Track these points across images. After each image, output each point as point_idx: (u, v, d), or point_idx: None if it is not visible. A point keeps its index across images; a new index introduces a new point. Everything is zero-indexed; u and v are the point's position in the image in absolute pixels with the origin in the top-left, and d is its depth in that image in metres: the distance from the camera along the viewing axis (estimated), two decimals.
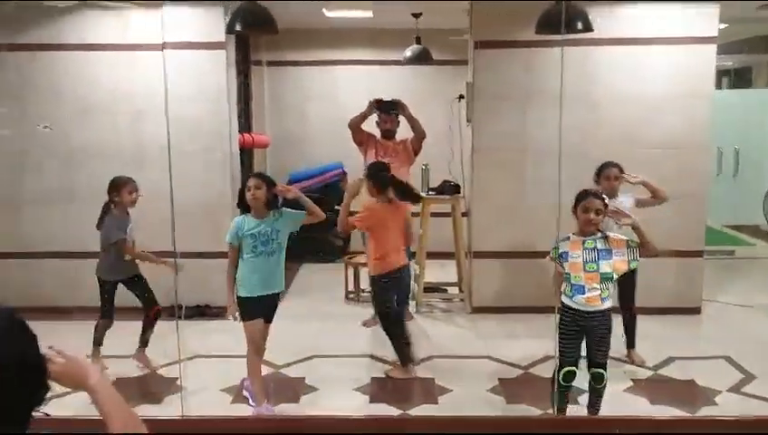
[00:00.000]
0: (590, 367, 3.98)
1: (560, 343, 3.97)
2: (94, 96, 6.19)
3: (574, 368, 3.95)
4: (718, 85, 11.01)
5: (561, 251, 3.93)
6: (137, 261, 5.07)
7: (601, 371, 3.96)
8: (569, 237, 3.95)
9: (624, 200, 4.93)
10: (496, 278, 6.33)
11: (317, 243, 8.19)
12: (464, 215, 6.62)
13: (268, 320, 4.49)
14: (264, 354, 4.56)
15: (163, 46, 4.03)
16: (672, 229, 5.90)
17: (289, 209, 4.47)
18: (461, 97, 6.64)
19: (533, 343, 5.35)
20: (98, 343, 5.10)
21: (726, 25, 7.01)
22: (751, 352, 5.28)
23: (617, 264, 3.86)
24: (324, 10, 6.97)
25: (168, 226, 4.61)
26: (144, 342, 5.15)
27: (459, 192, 6.65)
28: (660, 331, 5.67)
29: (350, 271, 6.94)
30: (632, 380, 4.88)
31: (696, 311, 6.20)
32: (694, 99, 6.02)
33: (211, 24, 5.95)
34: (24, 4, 5.84)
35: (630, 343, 5.19)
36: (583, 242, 3.89)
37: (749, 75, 11.32)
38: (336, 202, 8.51)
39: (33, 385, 1.43)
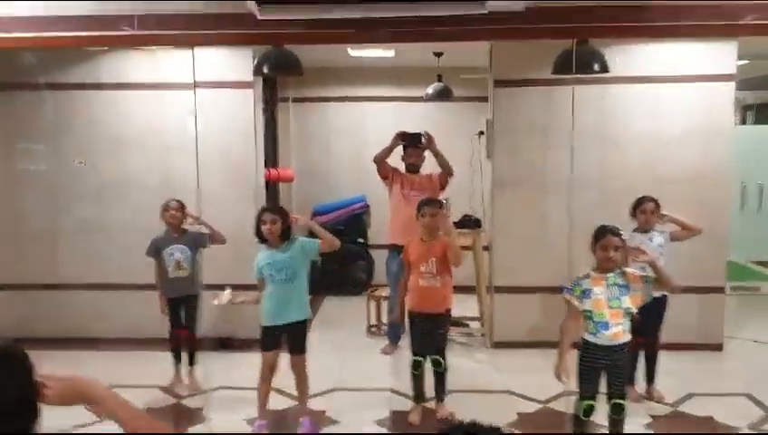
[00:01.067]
0: (609, 398, 4.02)
1: (581, 379, 4.02)
2: (127, 133, 6.39)
3: (593, 402, 4.01)
4: (742, 120, 11.02)
5: (584, 288, 3.95)
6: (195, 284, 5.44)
7: (622, 401, 4.01)
8: (589, 275, 3.98)
9: (659, 234, 5.00)
10: (518, 313, 6.37)
11: (341, 276, 8.31)
12: (485, 249, 6.69)
13: (294, 350, 4.61)
14: (275, 382, 4.69)
15: (194, 85, 4.25)
16: (692, 265, 5.92)
17: (304, 238, 4.63)
18: (481, 133, 6.76)
19: (553, 377, 5.37)
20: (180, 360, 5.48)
21: (747, 61, 7.07)
22: None
23: (633, 299, 3.92)
24: (348, 49, 7.16)
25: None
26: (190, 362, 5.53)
27: (480, 226, 6.74)
28: (681, 367, 5.64)
29: (373, 304, 7.02)
30: (651, 416, 4.89)
31: (717, 347, 6.18)
32: (712, 135, 6.07)
33: (240, 65, 6.12)
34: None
35: (650, 379, 5.20)
36: (605, 279, 3.92)
37: None
38: (359, 235, 8.67)
39: (22, 414, 1.49)
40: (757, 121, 11.27)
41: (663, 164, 6.12)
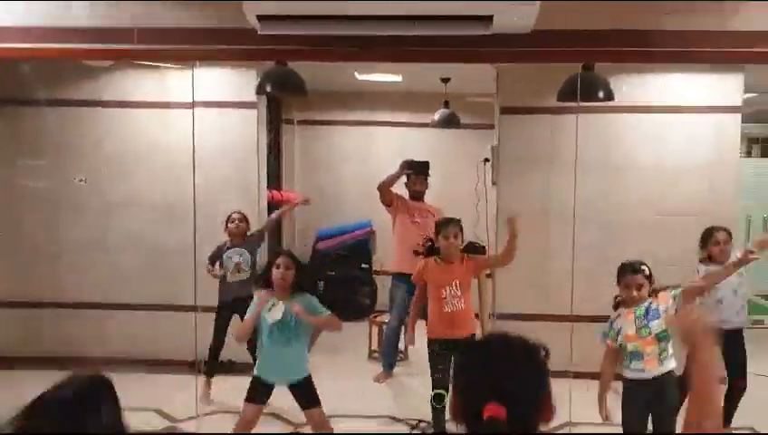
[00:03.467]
0: None
1: (623, 419, 3.92)
2: (131, 151, 6.40)
3: None
4: (748, 153, 10.96)
5: (617, 328, 3.92)
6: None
7: None
8: (619, 314, 3.96)
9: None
10: None
11: (344, 301, 8.19)
12: (488, 276, 6.62)
13: (306, 405, 4.27)
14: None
15: (192, 105, 4.26)
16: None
17: (314, 299, 4.21)
18: (486, 160, 6.73)
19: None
20: (208, 374, 5.55)
21: (754, 94, 7.04)
22: None
23: (669, 320, 3.77)
24: (355, 73, 7.16)
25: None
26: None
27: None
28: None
29: (375, 330, 6.94)
30: None
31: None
32: (718, 167, 6.04)
33: (244, 85, 6.14)
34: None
35: (727, 419, 4.83)
36: (633, 311, 3.89)
37: None
38: (363, 261, 8.58)
39: None
40: (763, 154, 11.21)
41: (667, 196, 6.08)
